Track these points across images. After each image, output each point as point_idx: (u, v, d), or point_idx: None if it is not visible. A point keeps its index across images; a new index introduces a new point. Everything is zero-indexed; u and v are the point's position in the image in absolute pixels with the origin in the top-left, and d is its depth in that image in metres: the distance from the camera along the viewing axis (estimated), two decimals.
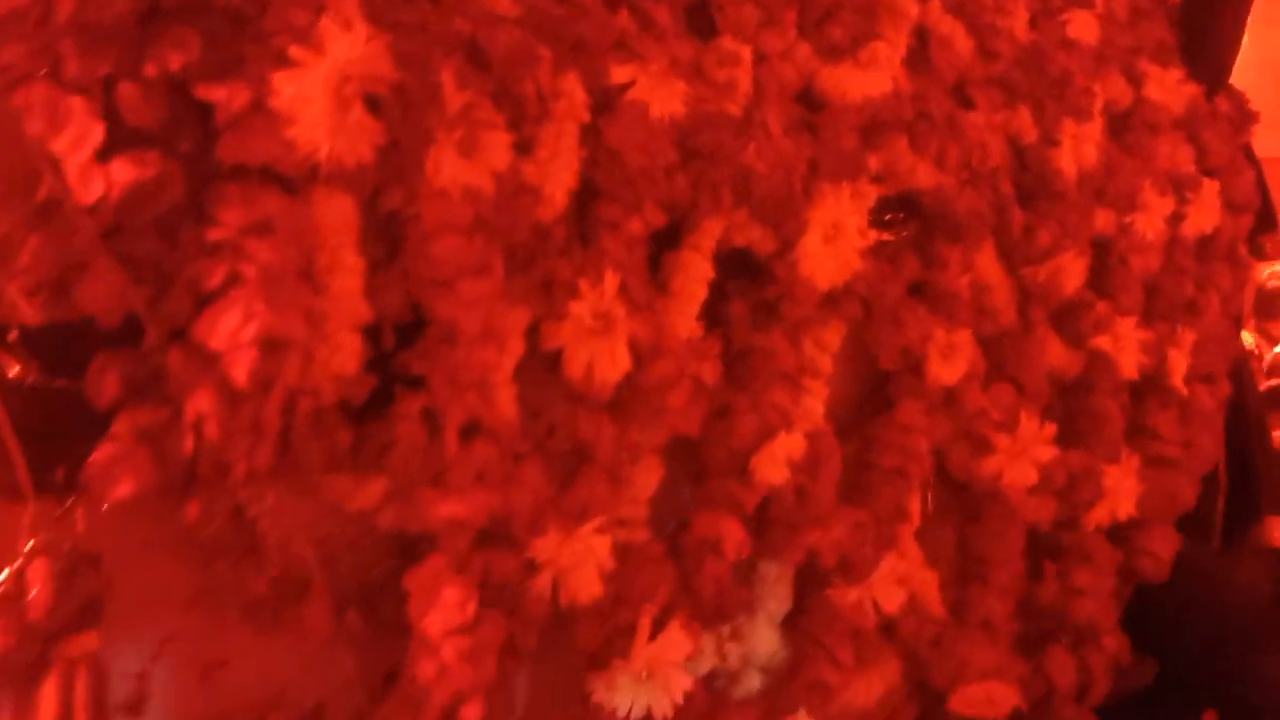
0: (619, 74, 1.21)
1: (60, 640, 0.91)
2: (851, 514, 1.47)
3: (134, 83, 0.89)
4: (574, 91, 1.17)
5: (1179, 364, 1.99)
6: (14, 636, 0.89)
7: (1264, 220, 2.18)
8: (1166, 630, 1.83)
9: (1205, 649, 1.76)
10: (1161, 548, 1.88)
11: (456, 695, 1.02)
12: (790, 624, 1.45)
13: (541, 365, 1.18)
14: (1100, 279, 1.87)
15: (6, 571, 0.89)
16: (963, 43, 1.66)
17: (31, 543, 0.89)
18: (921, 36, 1.61)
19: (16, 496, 0.89)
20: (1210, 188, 2.03)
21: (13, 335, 0.86)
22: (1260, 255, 2.23)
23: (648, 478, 1.28)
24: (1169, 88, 2.01)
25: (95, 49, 0.87)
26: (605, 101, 1.20)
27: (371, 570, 1.10)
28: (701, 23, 1.36)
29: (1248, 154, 2.16)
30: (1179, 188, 2.00)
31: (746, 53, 1.36)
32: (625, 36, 1.23)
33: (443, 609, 1.04)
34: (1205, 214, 2.02)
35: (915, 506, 1.58)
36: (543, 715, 1.23)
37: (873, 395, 1.60)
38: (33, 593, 0.89)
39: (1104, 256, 1.88)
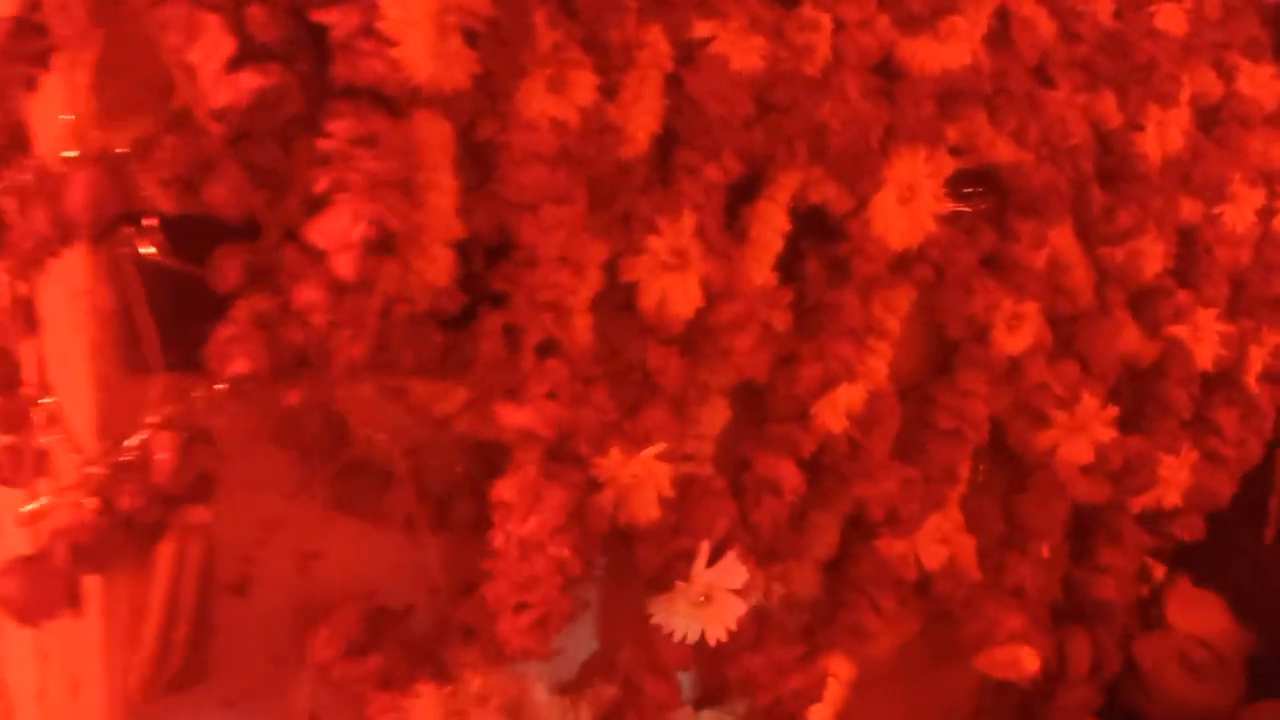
0: (701, 28, 1.30)
1: (177, 508, 1.02)
2: (903, 470, 1.54)
3: (261, 4, 1.01)
4: (658, 42, 1.27)
5: (1256, 362, 2.03)
6: (141, 499, 1.01)
7: None
8: None
9: None
10: (1187, 534, 1.94)
11: (554, 600, 1.11)
12: (834, 569, 1.52)
13: (617, 298, 1.28)
14: (1185, 268, 1.91)
15: (135, 440, 1.01)
16: (1045, 25, 1.72)
17: (155, 417, 1.01)
18: (1003, 17, 1.67)
19: (145, 370, 1.01)
20: None
21: (151, 221, 0.98)
22: None
23: (714, 417, 1.37)
24: (1261, 83, 2.04)
25: None
26: (687, 54, 1.30)
27: (449, 473, 1.20)
28: None
29: None
30: (1270, 182, 2.03)
31: (826, 20, 1.45)
32: None
33: (544, 513, 1.13)
34: None
35: (965, 471, 1.65)
36: (606, 633, 1.31)
37: (937, 362, 1.66)
38: (154, 464, 1.00)
39: (1190, 245, 1.92)
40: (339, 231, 1.02)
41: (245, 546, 1.13)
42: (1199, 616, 1.81)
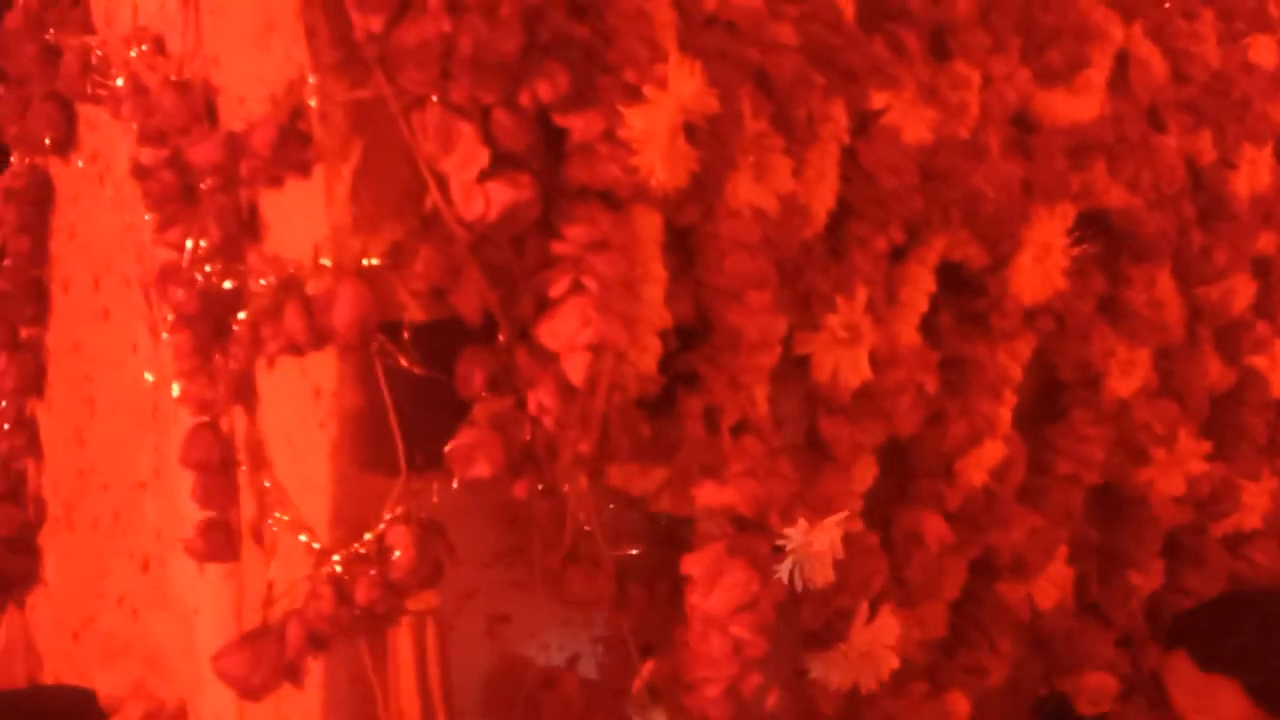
0: (878, 99, 1.34)
1: (409, 595, 1.07)
2: (1030, 517, 1.62)
3: (509, 111, 1.03)
4: (839, 115, 1.31)
5: None
6: (378, 591, 1.06)
7: None
8: None
9: None
10: (1265, 559, 2.05)
11: (745, 666, 1.18)
12: (958, 610, 1.62)
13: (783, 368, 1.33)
14: (1261, 299, 1.99)
15: (370, 535, 1.06)
16: (1158, 66, 1.77)
17: (392, 512, 1.05)
18: (1122, 60, 1.72)
19: (391, 471, 1.05)
20: None
21: (406, 333, 1.01)
22: None
23: (865, 474, 1.44)
24: None
25: (485, 80, 1.01)
26: (861, 125, 1.34)
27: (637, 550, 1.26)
28: (936, 46, 1.49)
29: None
30: None
31: (976, 76, 1.49)
32: (881, 62, 1.36)
33: (727, 590, 1.20)
34: None
35: (1079, 512, 1.74)
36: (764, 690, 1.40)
37: (1037, 404, 1.74)
38: (395, 554, 1.05)
39: (1265, 277, 2.01)
40: (570, 334, 1.07)
41: (447, 615, 1.19)
42: (1209, 707, 1.53)
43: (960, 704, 1.57)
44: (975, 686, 1.61)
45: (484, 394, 1.06)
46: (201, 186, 1.10)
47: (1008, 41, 1.54)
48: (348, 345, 1.02)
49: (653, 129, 1.07)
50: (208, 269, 1.11)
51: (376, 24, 1.00)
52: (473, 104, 1.02)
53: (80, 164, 1.49)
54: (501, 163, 1.04)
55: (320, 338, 1.02)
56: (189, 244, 1.11)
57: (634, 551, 1.23)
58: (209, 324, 1.12)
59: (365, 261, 1.02)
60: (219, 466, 1.15)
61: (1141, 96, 1.75)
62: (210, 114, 1.13)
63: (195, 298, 1.11)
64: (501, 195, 1.02)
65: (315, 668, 1.12)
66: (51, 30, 1.40)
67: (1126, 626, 1.85)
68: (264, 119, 1.01)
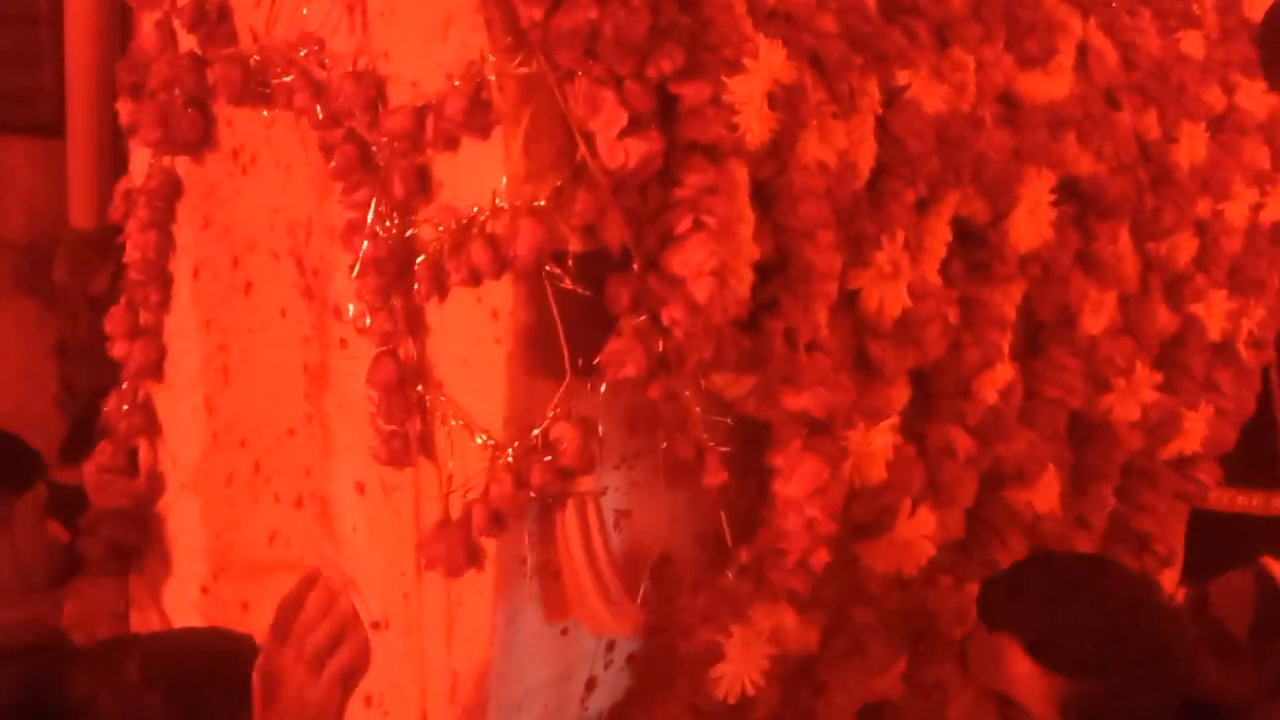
0: (901, 77, 1.62)
1: (574, 479, 1.31)
2: (1027, 433, 1.90)
3: (638, 81, 1.29)
4: (873, 90, 1.58)
5: (1245, 330, 2.46)
6: (547, 476, 1.29)
7: None
8: None
9: None
10: (1208, 478, 2.35)
11: (816, 542, 1.43)
12: (972, 515, 1.88)
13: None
14: (1201, 254, 2.31)
15: (538, 430, 1.29)
16: (1111, 55, 2.08)
17: (554, 411, 1.29)
18: (1081, 49, 2.03)
19: (555, 376, 1.29)
20: None
21: (569, 261, 1.26)
22: None
23: (901, 394, 1.70)
24: (1255, 97, 2.45)
25: (621, 56, 1.27)
26: (889, 98, 1.61)
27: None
28: (939, 36, 1.77)
29: None
30: (1260, 182, 2.44)
31: (970, 61, 1.78)
32: (902, 47, 1.64)
33: (805, 477, 1.45)
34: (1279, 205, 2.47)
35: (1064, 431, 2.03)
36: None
37: (1023, 342, 2.02)
38: (561, 445, 1.29)
39: (1203, 236, 2.32)
40: (696, 263, 1.32)
41: None
42: (996, 669, 1.46)
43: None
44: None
45: (628, 311, 1.30)
46: (379, 156, 1.34)
47: (995, 32, 1.84)
48: (525, 271, 1.26)
49: (749, 93, 1.34)
50: (388, 223, 1.33)
51: (538, 14, 1.25)
52: (611, 76, 1.28)
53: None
54: (634, 123, 1.29)
55: (501, 266, 1.26)
56: (372, 204, 1.33)
57: (725, 449, 1.46)
58: (391, 268, 1.34)
59: (535, 203, 1.26)
60: (398, 386, 1.37)
61: (1099, 80, 2.06)
62: (381, 97, 1.36)
63: (381, 246, 1.33)
64: (638, 148, 1.28)
65: (489, 548, 1.34)
66: (199, 45, 1.62)
67: (1102, 533, 2.15)
68: (454, 91, 1.25)
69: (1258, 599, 1.87)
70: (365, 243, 1.35)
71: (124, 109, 1.79)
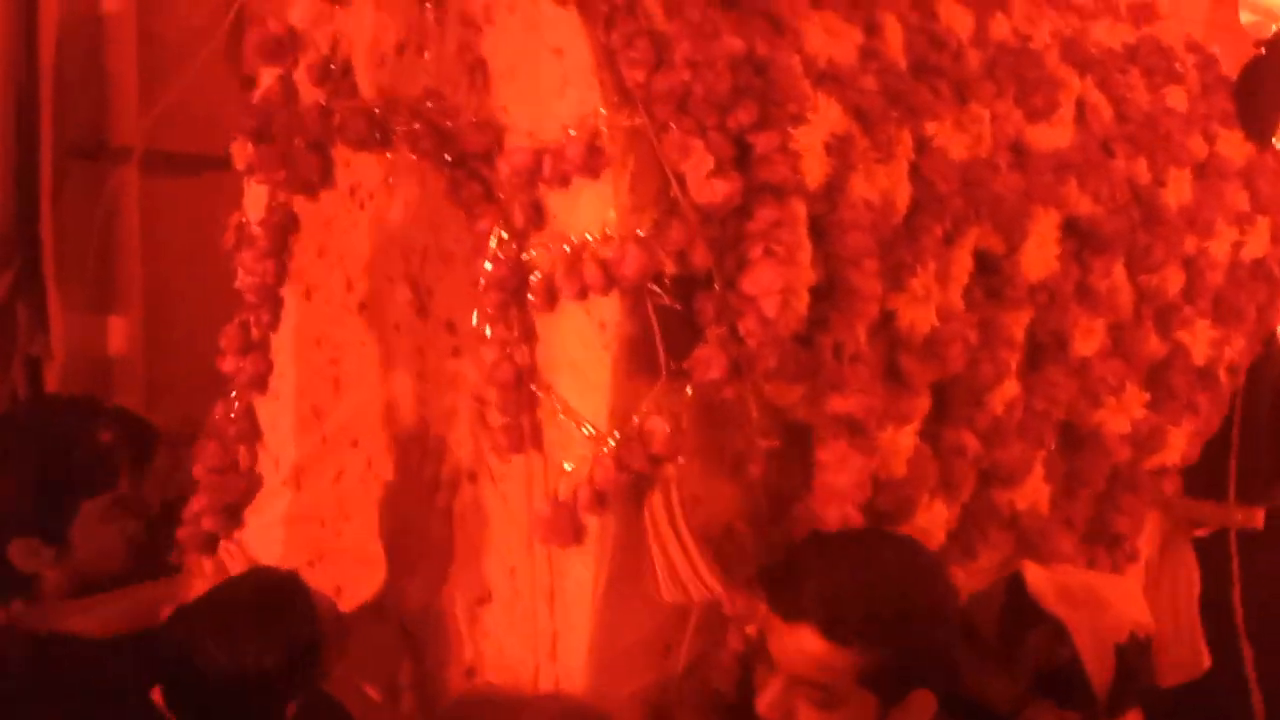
0: (929, 128, 1.89)
1: (662, 466, 1.56)
2: (1020, 443, 2.16)
3: (720, 132, 1.55)
4: (906, 140, 1.85)
5: (1226, 357, 2.73)
6: (644, 461, 1.54)
7: None
8: None
9: None
10: (1170, 488, 2.59)
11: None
12: (964, 507, 2.13)
13: None
14: (1188, 288, 2.58)
15: (635, 421, 1.54)
16: (1106, 109, 2.37)
17: (649, 406, 1.54)
18: (1080, 104, 2.31)
19: (651, 377, 1.54)
20: (1263, 223, 2.75)
21: (666, 280, 1.52)
22: None
23: (924, 403, 1.96)
24: (1234, 145, 2.74)
25: (707, 111, 1.53)
26: (920, 146, 1.88)
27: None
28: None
29: None
30: (1240, 222, 2.72)
31: (986, 114, 2.05)
32: (929, 102, 1.91)
33: (850, 471, 1.70)
34: (1258, 243, 2.75)
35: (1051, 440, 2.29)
36: None
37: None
38: (655, 435, 1.54)
39: (1189, 272, 2.60)
40: (766, 283, 1.58)
41: None
42: (794, 654, 1.50)
43: (959, 577, 2.08)
44: (970, 567, 2.12)
45: (712, 323, 1.56)
46: (500, 191, 1.60)
47: (1005, 89, 2.12)
48: (631, 288, 1.52)
49: (811, 143, 1.61)
50: (507, 248, 1.59)
51: (641, 76, 1.52)
52: (699, 127, 1.54)
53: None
54: (718, 167, 1.55)
55: (610, 284, 1.52)
56: (495, 231, 1.59)
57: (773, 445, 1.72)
58: (510, 285, 1.60)
59: (638, 232, 1.52)
60: (515, 385, 1.62)
61: (1096, 131, 2.34)
62: (498, 143, 1.62)
63: (501, 267, 1.59)
64: (722, 187, 1.54)
65: (591, 525, 1.59)
66: (325, 97, 1.88)
67: (1084, 532, 2.40)
68: (572, 139, 1.52)
69: (1005, 603, 1.96)
70: (488, 264, 1.60)
71: (242, 151, 2.04)
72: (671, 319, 1.56)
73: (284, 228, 2.04)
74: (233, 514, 2.18)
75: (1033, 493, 2.24)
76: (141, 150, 2.75)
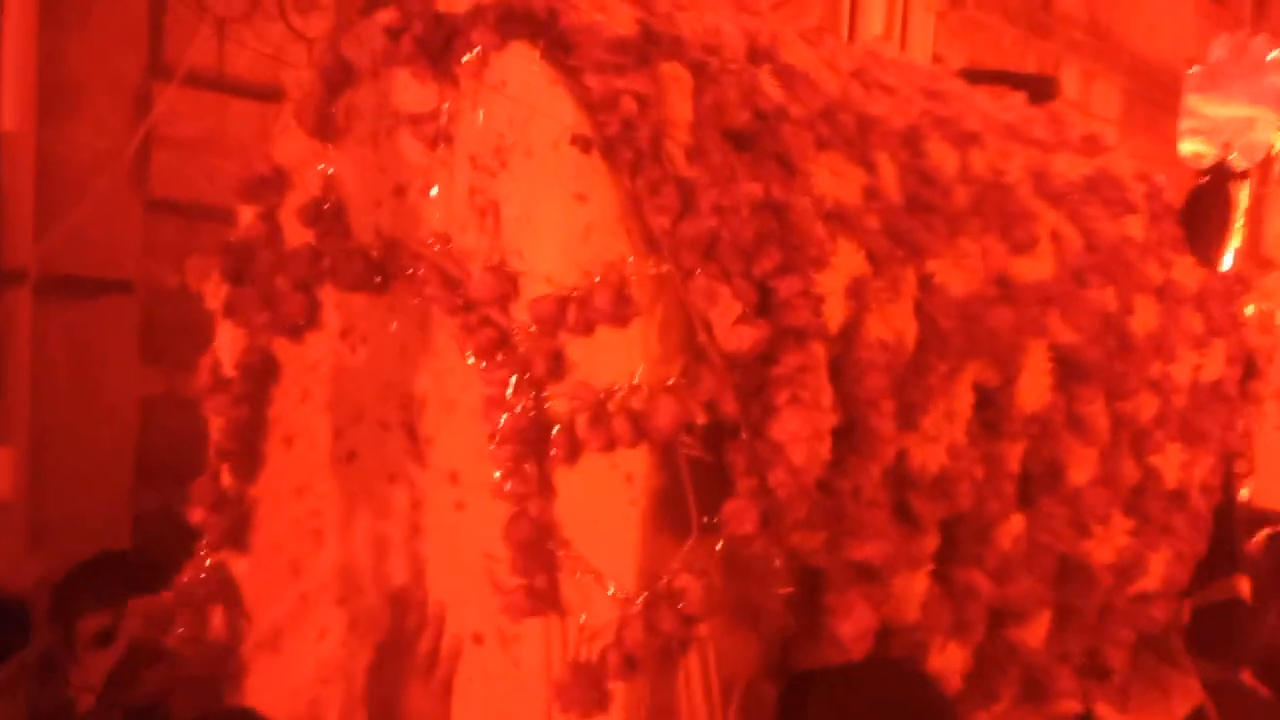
0: (931, 265, 1.88)
1: (695, 626, 1.47)
2: (1029, 578, 2.13)
3: (745, 279, 1.51)
4: (910, 278, 1.84)
5: (1197, 479, 2.76)
6: (675, 622, 1.45)
7: (1250, 369, 2.99)
8: None
9: None
10: (1161, 614, 2.60)
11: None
12: (978, 649, 2.08)
13: None
14: (1157, 413, 2.61)
15: (664, 580, 1.46)
16: (1076, 240, 2.40)
17: (679, 564, 1.46)
18: (1054, 236, 2.34)
19: (680, 531, 1.46)
20: (1217, 345, 2.81)
21: (696, 430, 1.45)
22: (1248, 397, 3.02)
23: (934, 542, 1.91)
24: (1186, 270, 2.81)
25: (735, 257, 1.49)
26: (923, 283, 1.87)
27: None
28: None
29: (1238, 318, 2.98)
30: (1198, 345, 2.78)
31: (976, 248, 2.06)
32: (930, 239, 1.91)
33: (856, 621, 1.64)
34: (1215, 365, 2.81)
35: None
36: None
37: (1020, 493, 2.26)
38: (688, 594, 1.45)
39: (1159, 394, 2.63)
40: (793, 430, 1.52)
41: None
42: None
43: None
44: (994, 709, 2.07)
45: (744, 474, 1.50)
46: (516, 338, 1.53)
47: (991, 223, 2.13)
48: (663, 441, 1.45)
49: (833, 286, 1.57)
50: (524, 398, 1.52)
51: (667, 222, 1.47)
52: (725, 273, 1.50)
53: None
54: (744, 313, 1.51)
55: (640, 436, 1.45)
56: (513, 380, 1.52)
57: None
58: (529, 437, 1.52)
59: (668, 382, 1.46)
60: (533, 543, 1.52)
61: (1069, 262, 2.37)
62: (513, 288, 1.56)
63: (519, 418, 1.51)
64: (749, 334, 1.49)
65: (617, 692, 1.49)
66: (316, 238, 1.80)
67: (1081, 665, 2.37)
68: (598, 286, 1.46)
69: None
70: (504, 415, 1.52)
71: (215, 291, 1.94)
72: (701, 472, 1.49)
73: (262, 371, 1.94)
74: (212, 684, 2.02)
75: (1041, 633, 2.20)
76: (35, 274, 2.61)
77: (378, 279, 1.72)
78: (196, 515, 2.00)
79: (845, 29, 3.66)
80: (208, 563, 2.00)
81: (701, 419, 1.49)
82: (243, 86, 2.60)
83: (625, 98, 1.48)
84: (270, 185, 1.88)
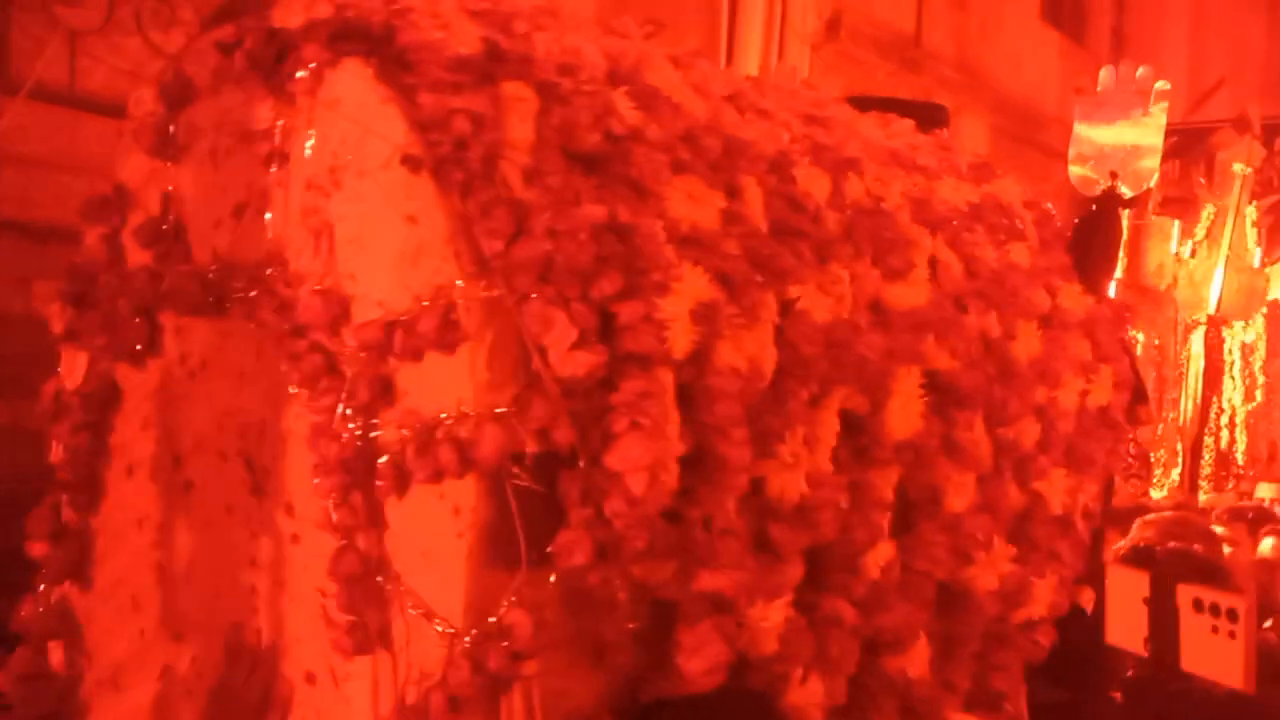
0: (793, 291, 1.85)
1: (524, 664, 1.42)
2: (904, 605, 2.10)
3: (583, 303, 1.47)
4: (771, 303, 1.81)
5: (1080, 504, 2.76)
6: (503, 660, 1.40)
7: (1137, 395, 3.00)
8: None
9: None
10: (1046, 640, 2.58)
11: None
12: (853, 681, 2.04)
13: None
14: (1042, 439, 2.60)
15: (494, 618, 1.41)
16: (956, 266, 2.39)
17: (510, 599, 1.41)
18: (932, 263, 2.33)
19: (511, 565, 1.41)
20: (1105, 372, 2.82)
21: (527, 460, 1.40)
22: (1135, 421, 3.03)
23: (797, 571, 1.88)
24: (1073, 298, 2.81)
25: (569, 282, 1.45)
26: (784, 309, 1.84)
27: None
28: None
29: (1125, 345, 3.00)
30: (1084, 371, 2.78)
31: (846, 275, 2.03)
32: (792, 265, 1.88)
33: (706, 657, 1.59)
34: (1102, 391, 2.81)
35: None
36: None
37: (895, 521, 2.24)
38: (516, 631, 1.40)
39: (1042, 422, 2.62)
40: (633, 458, 1.48)
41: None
42: None
43: None
44: None
45: (577, 505, 1.45)
46: (344, 364, 1.47)
47: (863, 249, 2.11)
48: (488, 471, 1.40)
49: (677, 311, 1.53)
50: (352, 426, 1.46)
51: (499, 245, 1.43)
52: (561, 298, 1.46)
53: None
54: (581, 338, 1.46)
55: (466, 466, 1.39)
56: (340, 408, 1.46)
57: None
58: (355, 467, 1.46)
59: (497, 410, 1.41)
60: (360, 578, 1.46)
61: (948, 288, 2.36)
62: (344, 313, 1.50)
63: (345, 447, 1.45)
64: (585, 359, 1.45)
65: None
66: (154, 260, 1.73)
67: (965, 693, 2.34)
68: (425, 311, 1.41)
69: None
70: (331, 444, 1.46)
71: (58, 315, 1.87)
72: (533, 502, 1.44)
73: (104, 398, 1.86)
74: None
75: (920, 663, 2.16)
76: None
77: (214, 301, 1.65)
78: (36, 549, 1.91)
79: (723, 59, 3.67)
80: (48, 598, 1.91)
81: (533, 448, 1.44)
82: (96, 103, 2.52)
83: (459, 117, 1.44)
84: (113, 205, 1.81)
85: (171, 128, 1.71)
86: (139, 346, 1.77)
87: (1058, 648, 2.52)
